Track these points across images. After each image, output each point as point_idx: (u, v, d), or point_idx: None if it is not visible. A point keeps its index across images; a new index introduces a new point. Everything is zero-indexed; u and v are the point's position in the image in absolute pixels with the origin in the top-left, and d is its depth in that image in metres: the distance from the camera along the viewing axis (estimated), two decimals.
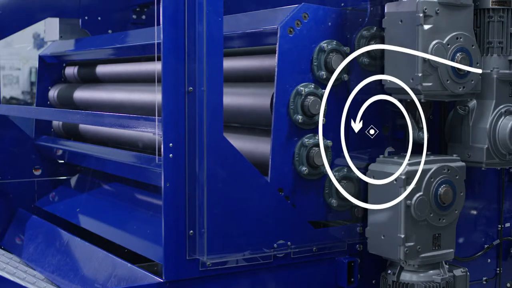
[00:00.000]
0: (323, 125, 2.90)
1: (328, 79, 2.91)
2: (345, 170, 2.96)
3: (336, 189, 2.93)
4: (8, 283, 3.01)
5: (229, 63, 3.13)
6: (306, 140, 2.87)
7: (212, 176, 2.71)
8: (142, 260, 3.26)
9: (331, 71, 2.90)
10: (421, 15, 2.77)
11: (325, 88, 2.90)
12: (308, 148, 2.86)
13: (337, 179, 2.93)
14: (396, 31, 2.86)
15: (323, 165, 2.88)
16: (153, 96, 3.56)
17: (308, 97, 2.84)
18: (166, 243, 2.70)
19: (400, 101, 3.01)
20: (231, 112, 3.04)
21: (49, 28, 4.79)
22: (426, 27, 2.78)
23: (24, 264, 3.79)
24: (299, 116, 2.83)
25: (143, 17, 4.84)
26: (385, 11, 2.92)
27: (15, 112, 4.37)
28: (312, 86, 2.87)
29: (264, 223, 2.84)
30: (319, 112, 2.86)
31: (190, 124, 2.70)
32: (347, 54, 2.94)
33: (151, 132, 2.91)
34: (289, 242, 2.89)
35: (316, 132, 2.89)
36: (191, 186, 2.71)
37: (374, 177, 2.92)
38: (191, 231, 2.72)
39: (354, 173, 2.97)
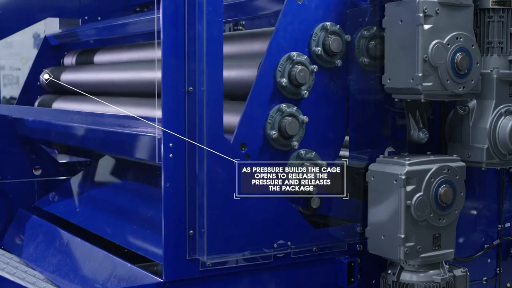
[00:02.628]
0: (304, 99, 2.88)
1: (321, 58, 2.89)
2: (313, 154, 2.91)
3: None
4: (8, 283, 3.01)
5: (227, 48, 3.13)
6: (284, 106, 2.83)
7: (212, 176, 2.71)
8: (142, 260, 3.26)
9: (327, 51, 2.89)
10: (421, 15, 2.77)
11: (316, 65, 2.88)
12: (284, 115, 2.82)
13: (302, 159, 2.88)
14: (396, 31, 2.86)
15: (294, 136, 2.84)
16: (143, 74, 3.59)
17: (297, 65, 2.83)
18: (166, 243, 2.70)
19: (400, 101, 3.02)
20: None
21: (49, 28, 4.80)
22: (426, 27, 2.78)
23: (24, 264, 3.79)
24: (284, 80, 2.82)
25: None
26: (385, 11, 2.92)
27: (15, 112, 4.37)
28: (305, 58, 2.86)
29: (264, 223, 2.84)
30: (304, 83, 2.84)
31: (190, 124, 2.70)
32: (347, 43, 2.94)
33: (151, 133, 2.91)
34: (289, 242, 2.89)
35: (297, 104, 2.87)
36: (191, 186, 2.71)
37: (374, 177, 2.92)
38: (191, 231, 2.72)
39: (320, 159, 2.91)
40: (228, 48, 3.18)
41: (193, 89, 2.69)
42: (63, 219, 4.09)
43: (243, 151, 2.79)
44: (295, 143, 2.86)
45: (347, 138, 3.07)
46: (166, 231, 2.70)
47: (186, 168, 2.70)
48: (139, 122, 2.97)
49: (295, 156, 2.88)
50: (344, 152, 3.21)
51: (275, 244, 2.87)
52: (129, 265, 3.08)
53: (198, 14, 2.67)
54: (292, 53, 2.83)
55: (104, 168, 4.55)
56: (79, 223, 3.91)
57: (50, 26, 4.85)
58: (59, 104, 4.39)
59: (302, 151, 2.89)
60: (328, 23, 2.90)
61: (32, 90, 4.62)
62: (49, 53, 4.69)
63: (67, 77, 4.36)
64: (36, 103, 4.59)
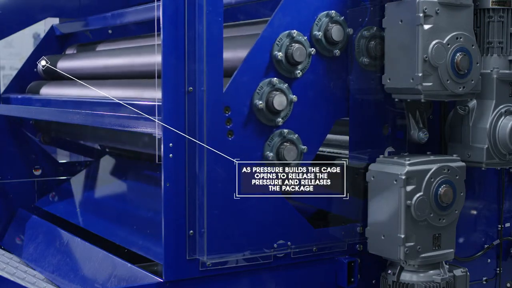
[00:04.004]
0: (297, 80, 2.87)
1: (321, 44, 2.89)
2: (295, 137, 2.87)
3: (278, 149, 2.83)
4: (8, 283, 3.01)
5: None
6: (275, 79, 2.81)
7: (212, 176, 2.71)
8: (142, 260, 3.26)
9: (327, 38, 2.89)
10: (421, 15, 2.77)
11: (315, 48, 2.88)
12: (274, 88, 2.80)
13: (283, 138, 2.85)
14: (396, 31, 2.86)
15: (280, 112, 2.81)
16: (141, 58, 3.58)
17: (296, 44, 2.82)
18: (166, 243, 2.70)
19: (400, 101, 3.02)
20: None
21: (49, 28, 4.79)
22: (426, 27, 2.78)
23: (24, 264, 3.79)
24: (280, 54, 2.80)
25: None
26: (385, 11, 2.92)
27: (15, 112, 4.37)
28: (304, 39, 2.85)
29: (264, 223, 2.84)
30: (300, 62, 2.83)
31: (190, 124, 2.70)
32: (348, 36, 2.94)
33: (151, 132, 2.91)
34: (289, 242, 2.89)
35: (289, 83, 2.84)
36: (191, 186, 2.71)
37: (374, 177, 2.92)
38: (191, 231, 2.72)
39: (301, 144, 2.88)
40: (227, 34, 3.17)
41: (193, 89, 2.69)
42: (63, 219, 4.09)
43: (227, 115, 2.75)
44: (280, 120, 2.83)
45: (347, 138, 3.08)
46: (166, 231, 2.70)
47: (186, 168, 2.71)
48: (139, 122, 2.97)
49: (278, 134, 2.84)
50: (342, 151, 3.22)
51: (275, 244, 2.87)
52: (129, 265, 3.08)
53: (198, 14, 2.67)
54: (293, 30, 2.83)
55: (104, 168, 4.56)
56: (79, 223, 3.92)
57: (50, 26, 4.84)
58: (48, 89, 4.37)
59: (285, 131, 2.85)
60: (333, 12, 2.90)
61: (27, 76, 4.59)
62: (52, 41, 4.68)
63: (63, 64, 4.34)
64: (27, 89, 4.58)
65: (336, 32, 2.88)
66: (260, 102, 2.78)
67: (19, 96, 4.40)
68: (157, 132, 2.77)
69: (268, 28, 2.81)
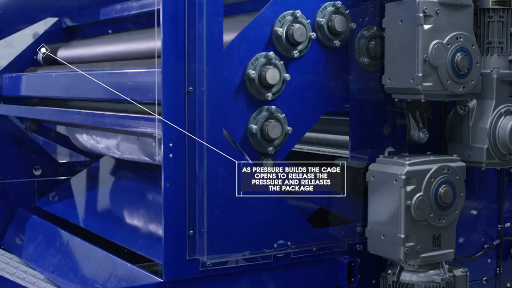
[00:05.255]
0: (293, 62, 2.86)
1: (323, 31, 2.89)
2: (282, 116, 2.85)
3: (262, 124, 2.82)
4: (8, 283, 3.02)
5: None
6: (272, 54, 2.80)
7: (212, 176, 2.71)
8: (142, 260, 3.27)
9: (329, 27, 2.89)
10: (421, 15, 2.77)
11: (316, 33, 2.88)
12: (269, 61, 2.79)
13: (270, 114, 2.83)
14: (396, 31, 2.86)
15: (271, 87, 2.80)
16: (136, 44, 3.59)
17: (297, 24, 2.82)
18: (166, 243, 2.70)
19: (400, 101, 3.02)
20: None
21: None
22: (426, 27, 2.78)
23: (24, 264, 3.79)
24: (280, 30, 2.81)
25: None
26: (385, 11, 2.92)
27: (15, 112, 4.37)
28: (307, 22, 2.85)
29: (264, 223, 2.84)
30: (299, 43, 2.83)
31: (190, 124, 2.70)
32: (351, 30, 2.94)
33: (151, 132, 2.91)
34: (289, 242, 2.89)
35: (285, 62, 2.83)
36: (191, 186, 2.71)
37: (374, 177, 2.92)
38: (191, 231, 2.72)
39: (287, 125, 2.86)
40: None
41: (193, 89, 2.69)
42: (63, 219, 4.09)
43: None
44: (270, 95, 2.81)
45: (347, 138, 3.07)
46: (166, 231, 2.70)
47: (186, 168, 2.71)
48: (139, 122, 2.97)
49: (265, 109, 2.82)
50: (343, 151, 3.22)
51: (275, 244, 2.87)
52: (129, 265, 3.08)
53: (198, 14, 2.67)
54: (297, 11, 2.83)
55: (104, 168, 4.55)
56: (79, 223, 3.91)
57: (49, 26, 4.84)
58: (43, 69, 4.36)
59: (273, 107, 2.83)
60: (339, 2, 2.91)
61: (25, 63, 4.56)
62: (59, 33, 4.66)
63: (64, 53, 4.33)
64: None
65: (339, 22, 2.89)
66: (253, 72, 2.77)
67: (14, 75, 4.37)
68: (157, 132, 2.77)
69: (273, 4, 2.81)
